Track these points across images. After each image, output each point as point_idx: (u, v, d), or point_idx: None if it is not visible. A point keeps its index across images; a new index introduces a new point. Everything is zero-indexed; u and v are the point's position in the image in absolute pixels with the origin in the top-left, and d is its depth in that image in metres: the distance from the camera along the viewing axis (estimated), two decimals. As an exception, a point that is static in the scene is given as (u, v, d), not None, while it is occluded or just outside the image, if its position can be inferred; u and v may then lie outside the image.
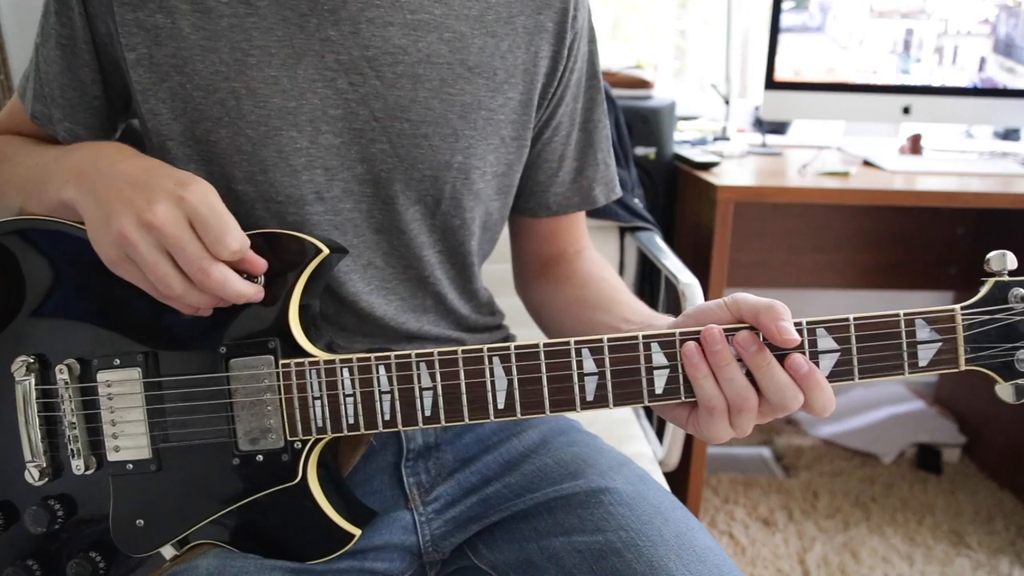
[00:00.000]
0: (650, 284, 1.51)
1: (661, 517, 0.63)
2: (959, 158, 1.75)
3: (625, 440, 1.14)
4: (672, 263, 1.23)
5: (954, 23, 1.63)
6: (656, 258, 1.31)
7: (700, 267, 1.42)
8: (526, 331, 0.84)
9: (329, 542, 0.60)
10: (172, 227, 0.52)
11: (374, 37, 0.63)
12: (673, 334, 0.54)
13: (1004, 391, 0.54)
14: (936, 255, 2.00)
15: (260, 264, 0.56)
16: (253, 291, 0.56)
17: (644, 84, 1.64)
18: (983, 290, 0.53)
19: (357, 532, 0.60)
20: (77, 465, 0.58)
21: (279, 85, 0.62)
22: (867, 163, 1.66)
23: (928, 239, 1.98)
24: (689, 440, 1.39)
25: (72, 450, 0.58)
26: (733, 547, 1.65)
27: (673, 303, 1.27)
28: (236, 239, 0.54)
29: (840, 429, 2.08)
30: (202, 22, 0.61)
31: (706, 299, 1.17)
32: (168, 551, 0.60)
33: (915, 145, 1.76)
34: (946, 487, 1.88)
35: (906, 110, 1.67)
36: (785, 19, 1.62)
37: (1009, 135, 1.99)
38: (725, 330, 0.53)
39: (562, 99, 0.74)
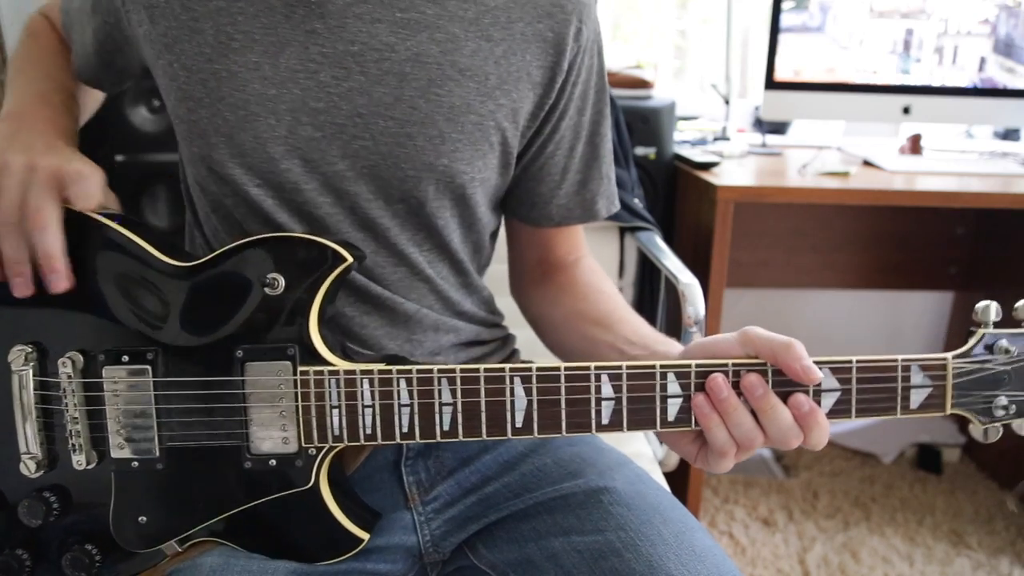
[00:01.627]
0: (650, 284, 1.51)
1: (660, 517, 0.63)
2: (959, 158, 1.75)
3: (625, 440, 1.14)
4: (672, 263, 1.23)
5: (954, 23, 1.63)
6: (656, 258, 1.31)
7: (700, 267, 1.42)
8: (526, 331, 0.84)
9: (337, 546, 0.60)
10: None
11: (360, 32, 0.63)
12: (689, 365, 0.56)
13: (976, 431, 0.59)
14: (936, 255, 2.00)
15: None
16: (62, 267, 0.56)
17: (644, 84, 1.64)
18: (971, 341, 0.57)
19: (366, 536, 0.60)
20: (78, 460, 0.57)
21: (260, 71, 0.63)
22: (867, 163, 1.66)
23: (928, 239, 1.98)
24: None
25: (73, 445, 0.57)
26: (733, 547, 1.65)
27: (673, 303, 1.27)
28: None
29: (840, 429, 2.08)
30: (191, 3, 0.63)
31: (706, 299, 1.17)
32: (170, 547, 0.59)
33: (915, 145, 1.76)
34: (946, 487, 1.88)
35: (906, 110, 1.67)
36: (785, 19, 1.62)
37: (1009, 135, 1.99)
38: (733, 364, 0.55)
39: (565, 112, 0.72)
